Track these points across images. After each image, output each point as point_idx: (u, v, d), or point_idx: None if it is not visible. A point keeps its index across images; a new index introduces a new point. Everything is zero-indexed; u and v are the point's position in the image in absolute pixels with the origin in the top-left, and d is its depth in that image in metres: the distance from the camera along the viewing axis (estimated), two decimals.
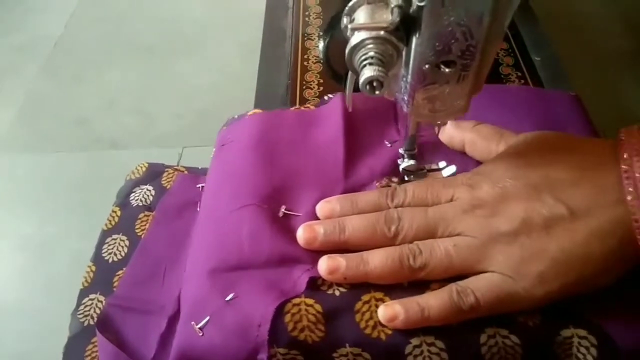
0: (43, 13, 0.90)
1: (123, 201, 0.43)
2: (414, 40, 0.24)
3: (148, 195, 0.43)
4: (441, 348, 0.27)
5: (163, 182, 0.44)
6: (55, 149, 0.65)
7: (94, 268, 0.40)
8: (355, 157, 0.35)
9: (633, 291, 0.28)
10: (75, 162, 0.63)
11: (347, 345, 0.27)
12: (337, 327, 0.27)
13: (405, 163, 0.33)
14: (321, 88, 0.45)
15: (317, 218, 0.31)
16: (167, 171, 0.44)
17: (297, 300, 0.28)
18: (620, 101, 0.63)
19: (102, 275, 0.39)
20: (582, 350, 0.26)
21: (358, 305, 0.28)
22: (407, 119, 0.31)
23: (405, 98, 0.27)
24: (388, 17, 0.23)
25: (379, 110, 0.38)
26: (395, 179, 0.34)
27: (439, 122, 0.30)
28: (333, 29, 0.51)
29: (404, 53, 0.25)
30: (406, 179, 0.34)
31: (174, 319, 0.32)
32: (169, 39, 0.81)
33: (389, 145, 0.36)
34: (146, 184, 0.43)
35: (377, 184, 0.34)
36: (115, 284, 0.38)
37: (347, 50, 0.24)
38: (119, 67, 0.77)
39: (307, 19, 0.53)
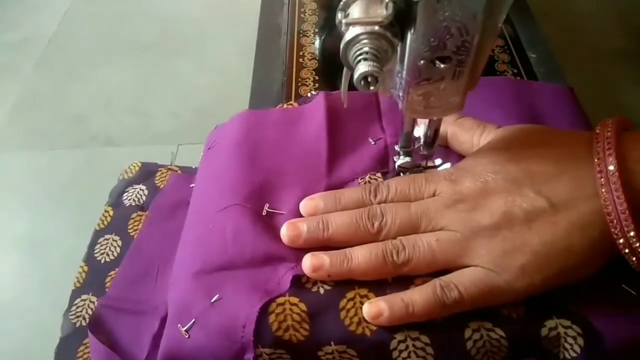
0: (37, 10, 0.89)
1: (116, 201, 0.43)
2: (408, 35, 0.23)
3: (141, 195, 0.42)
4: (426, 343, 0.27)
5: (156, 182, 0.43)
6: (50, 146, 0.65)
7: (86, 268, 0.39)
8: (338, 154, 0.35)
9: (612, 281, 0.28)
10: (70, 159, 0.63)
11: (332, 343, 0.27)
12: (321, 326, 0.27)
13: (400, 160, 0.33)
14: (317, 85, 0.45)
15: (300, 215, 0.31)
16: (160, 170, 0.44)
17: (281, 300, 0.28)
18: (615, 99, 0.63)
19: (94, 275, 0.39)
20: (570, 340, 0.27)
21: (342, 302, 0.28)
22: (400, 115, 0.31)
23: (400, 94, 0.27)
24: (382, 11, 0.23)
25: (362, 108, 0.38)
26: (378, 176, 0.34)
27: (435, 119, 0.30)
28: (329, 26, 0.51)
29: (398, 49, 0.25)
30: (402, 176, 0.34)
31: (166, 320, 0.32)
32: (165, 36, 0.81)
33: (373, 142, 0.36)
34: (139, 184, 0.43)
35: (361, 181, 0.34)
36: (107, 285, 0.38)
37: (341, 46, 0.23)
38: (115, 64, 0.76)
39: (302, 15, 0.53)
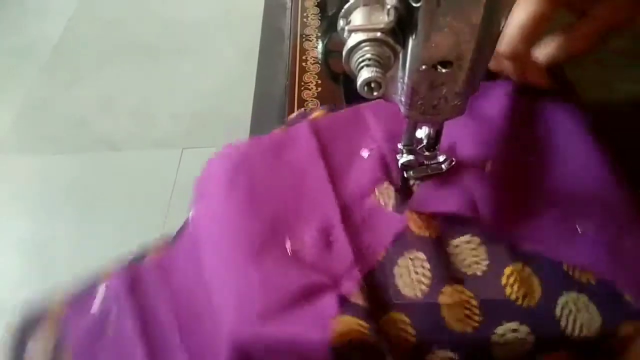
0: (42, 15, 0.90)
1: None
2: (410, 41, 0.24)
3: (45, 345, 0.35)
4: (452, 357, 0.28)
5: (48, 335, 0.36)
6: (54, 150, 0.66)
7: None
8: (340, 175, 0.35)
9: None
10: (74, 163, 0.63)
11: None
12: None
13: (403, 158, 0.33)
14: (319, 89, 0.45)
15: (322, 244, 0.31)
16: (48, 321, 0.36)
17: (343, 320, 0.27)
18: (615, 100, 0.64)
19: None
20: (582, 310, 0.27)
21: (380, 323, 0.28)
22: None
23: (403, 99, 0.27)
24: (384, 18, 0.23)
25: (348, 124, 0.37)
26: (387, 185, 0.34)
27: (437, 122, 0.31)
28: (331, 30, 0.51)
29: (400, 54, 0.25)
30: (405, 175, 0.34)
31: None
32: (168, 41, 0.81)
33: (367, 154, 0.36)
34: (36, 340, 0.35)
35: (379, 194, 0.33)
36: None
37: (344, 52, 0.24)
38: (118, 69, 0.77)
39: (305, 19, 0.53)
